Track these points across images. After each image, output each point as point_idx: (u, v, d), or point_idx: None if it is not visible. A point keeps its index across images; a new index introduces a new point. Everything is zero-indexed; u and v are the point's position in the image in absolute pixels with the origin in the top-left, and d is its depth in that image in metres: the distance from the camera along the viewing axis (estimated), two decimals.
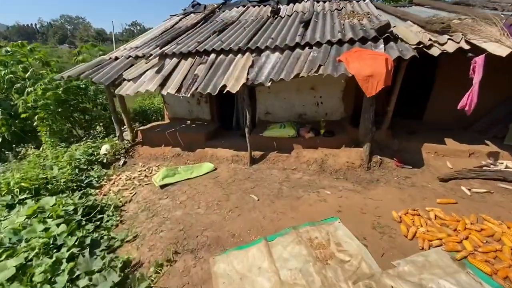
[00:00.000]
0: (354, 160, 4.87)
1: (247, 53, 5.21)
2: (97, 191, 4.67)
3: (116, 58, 6.24)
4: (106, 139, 6.74)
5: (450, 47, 3.99)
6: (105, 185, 4.93)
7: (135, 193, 4.55)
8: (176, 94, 4.95)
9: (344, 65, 4.07)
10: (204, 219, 3.61)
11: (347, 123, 5.82)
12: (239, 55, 5.25)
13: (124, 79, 5.51)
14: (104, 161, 5.80)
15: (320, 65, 4.31)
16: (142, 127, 7.16)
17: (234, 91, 4.53)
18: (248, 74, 4.72)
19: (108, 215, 3.84)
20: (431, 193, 3.87)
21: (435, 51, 4.10)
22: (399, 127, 5.85)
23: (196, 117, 7.22)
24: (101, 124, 7.51)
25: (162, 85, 5.21)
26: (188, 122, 7.19)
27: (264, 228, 3.35)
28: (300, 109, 6.20)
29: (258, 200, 3.97)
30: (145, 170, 5.49)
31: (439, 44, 4.15)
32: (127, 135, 6.68)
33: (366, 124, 4.63)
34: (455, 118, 5.97)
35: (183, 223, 3.55)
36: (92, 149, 6.09)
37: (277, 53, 5.04)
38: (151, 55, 5.89)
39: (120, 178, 5.16)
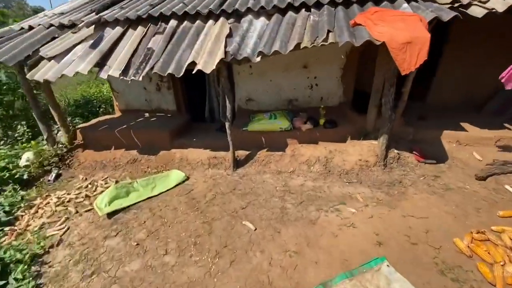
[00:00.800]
0: (368, 157, 3.84)
1: (222, 19, 3.77)
2: (6, 229, 3.07)
3: (31, 28, 4.37)
4: (32, 142, 4.92)
5: (500, 5, 3.01)
6: (21, 216, 3.32)
7: (68, 229, 3.05)
8: (121, 77, 3.41)
9: (364, 29, 2.89)
10: (177, 277, 2.29)
11: (348, 109, 4.76)
12: (211, 21, 3.80)
13: (42, 58, 3.77)
14: (25, 176, 4.09)
15: (328, 31, 3.08)
16: (83, 125, 5.41)
17: (207, 71, 3.14)
18: (226, 46, 3.34)
19: (17, 279, 2.36)
20: (478, 200, 2.99)
21: (476, 11, 3.09)
22: (403, 112, 4.94)
23: (157, 107, 5.65)
24: (23, 123, 5.56)
25: (101, 64, 3.61)
26: (147, 114, 5.60)
27: None
28: (290, 93, 4.99)
29: (256, 230, 2.75)
30: (86, 187, 3.93)
31: (481, 2, 3.15)
32: (62, 136, 4.93)
33: (385, 111, 3.59)
34: (462, 99, 5.26)
35: (142, 287, 2.22)
36: (7, 159, 4.30)
37: (262, 18, 3.68)
38: (83, 22, 4.14)
39: (47, 203, 3.56)
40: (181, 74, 3.23)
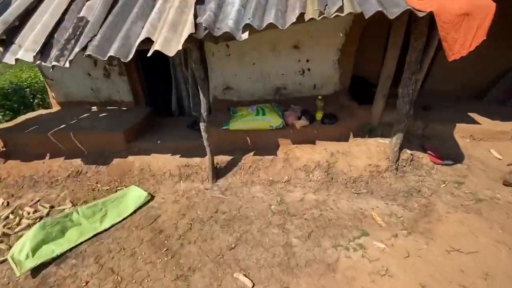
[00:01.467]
0: (378, 160, 3.16)
1: None
2: None
3: None
4: None
5: None
6: None
7: None
8: (38, 62, 2.26)
9: None
10: None
11: (346, 99, 4.01)
12: None
13: None
14: None
15: None
16: (4, 125, 4.06)
17: (171, 53, 2.11)
18: (196, 17, 2.30)
19: None
20: None
21: None
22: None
23: (107, 99, 4.42)
24: None
25: (6, 42, 2.40)
26: (94, 108, 4.37)
27: None
28: (278, 80, 4.08)
29: (253, 287, 1.93)
30: (6, 218, 2.80)
31: None
32: None
33: (402, 105, 2.88)
34: (461, 86, 4.77)
35: None
36: None
37: None
38: None
39: None
40: (130, 58, 2.17)
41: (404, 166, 3.22)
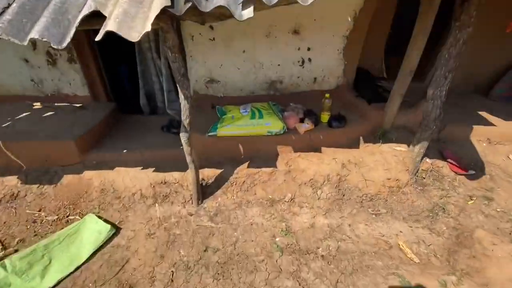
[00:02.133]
0: (397, 172, 2.67)
1: None
2: None
3: None
4: None
5: None
6: None
7: None
8: None
9: None
10: None
11: (351, 96, 3.45)
12: None
13: None
14: None
15: None
16: None
17: (132, 37, 1.35)
18: None
19: None
20: None
21: None
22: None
23: (54, 93, 3.45)
24: None
25: None
26: (37, 105, 3.39)
27: None
28: (273, 72, 3.39)
29: None
30: None
31: None
32: None
33: (431, 108, 2.37)
34: (463, 80, 4.43)
35: None
36: None
37: None
38: None
39: None
40: (66, 44, 1.37)
41: (424, 178, 2.77)
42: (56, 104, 3.35)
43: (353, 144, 2.98)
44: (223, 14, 1.57)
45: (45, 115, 3.17)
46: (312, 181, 2.67)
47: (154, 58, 3.23)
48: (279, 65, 3.36)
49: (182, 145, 2.34)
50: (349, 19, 3.14)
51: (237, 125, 2.66)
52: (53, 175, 2.68)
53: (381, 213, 2.49)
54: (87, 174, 2.68)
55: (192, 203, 2.56)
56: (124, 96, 3.92)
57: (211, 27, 3.02)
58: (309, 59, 3.37)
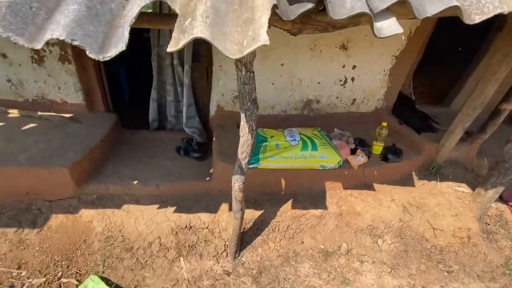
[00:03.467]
0: (467, 219, 2.30)
1: None
2: None
3: None
4: None
5: None
6: None
7: None
8: None
9: None
10: None
11: (393, 122, 3.08)
12: None
13: None
14: None
15: None
16: None
17: (232, 53, 0.82)
18: None
19: None
20: None
21: None
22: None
23: (37, 98, 2.70)
24: None
25: None
26: (14, 114, 2.62)
27: None
28: (311, 89, 2.92)
29: None
30: None
31: None
32: None
33: None
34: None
35: None
36: None
37: None
38: None
39: None
40: (111, 55, 0.81)
41: (488, 224, 2.45)
42: (39, 113, 2.61)
43: (407, 181, 2.59)
44: (343, 25, 1.09)
45: (25, 127, 2.43)
46: (370, 228, 2.23)
47: (174, 65, 2.63)
48: (319, 82, 2.90)
49: (207, 175, 1.81)
50: (403, 38, 2.78)
51: (285, 157, 2.15)
52: (37, 215, 1.98)
53: (453, 270, 2.10)
54: (85, 213, 2.02)
55: (226, 255, 2.00)
56: (121, 106, 3.24)
57: None
58: (352, 78, 2.96)
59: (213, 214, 2.13)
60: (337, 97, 3.06)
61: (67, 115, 2.67)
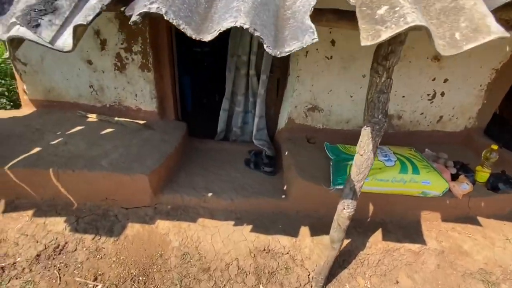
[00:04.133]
0: None
1: None
2: None
3: None
4: None
5: None
6: None
7: None
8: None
9: None
10: None
11: (488, 143, 2.63)
12: None
13: None
14: None
15: None
16: None
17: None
18: None
19: None
20: None
21: None
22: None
23: (114, 103, 2.77)
24: None
25: None
26: (93, 117, 2.70)
27: None
28: (394, 103, 2.65)
29: None
30: None
31: None
32: None
33: None
34: None
35: None
36: None
37: None
38: None
39: None
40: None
41: None
42: (116, 118, 2.66)
43: (505, 213, 2.15)
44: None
45: (103, 132, 2.47)
46: (482, 272, 1.83)
47: (250, 75, 2.54)
48: (403, 96, 2.61)
49: (281, 192, 1.59)
50: (508, 49, 2.41)
51: (380, 179, 1.88)
52: (114, 222, 1.93)
53: None
54: (161, 225, 1.92)
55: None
56: (185, 114, 3.22)
57: (333, 42, 2.32)
58: (442, 93, 2.62)
59: (293, 238, 1.90)
60: (422, 113, 2.74)
61: (141, 122, 2.69)
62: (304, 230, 1.97)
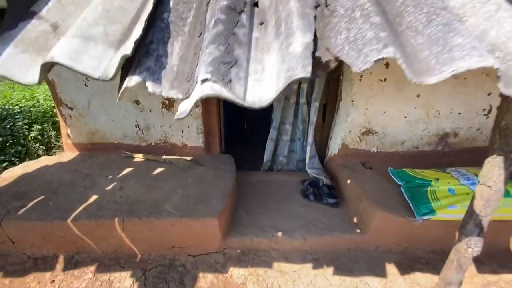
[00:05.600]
0: None
1: None
2: None
3: None
4: None
5: None
6: None
7: None
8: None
9: None
10: None
11: None
12: None
13: None
14: None
15: None
16: None
17: None
18: None
19: None
20: None
21: None
22: None
23: (159, 141, 2.70)
24: None
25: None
26: (139, 157, 2.62)
27: None
28: (450, 121, 2.55)
29: None
30: None
31: None
32: None
33: None
34: None
35: None
36: None
37: None
38: None
39: None
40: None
41: None
42: (164, 157, 2.58)
43: None
44: None
45: (155, 172, 2.37)
46: None
47: (300, 103, 2.49)
48: (459, 113, 2.52)
49: (352, 226, 1.44)
50: None
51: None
52: (183, 273, 1.77)
53: None
54: (236, 273, 1.75)
55: None
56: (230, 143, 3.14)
57: (387, 65, 2.28)
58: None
59: (383, 279, 1.72)
60: (478, 129, 2.63)
61: (188, 158, 2.60)
62: (391, 268, 1.79)
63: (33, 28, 0.75)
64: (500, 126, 1.08)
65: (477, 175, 1.85)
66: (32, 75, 0.68)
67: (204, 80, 0.63)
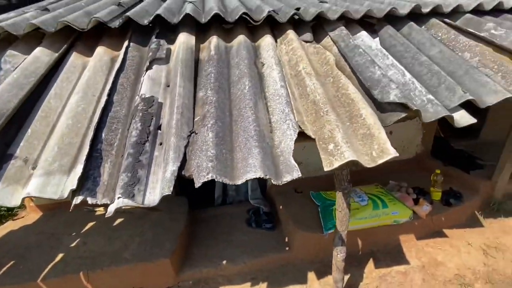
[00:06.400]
0: None
1: None
2: None
3: None
4: None
5: None
6: None
7: None
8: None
9: None
10: None
11: (437, 165, 3.27)
12: None
13: None
14: None
15: None
16: None
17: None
18: None
19: None
20: None
21: None
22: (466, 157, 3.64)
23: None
24: None
25: None
26: (101, 211, 2.94)
27: None
28: None
29: None
30: None
31: None
32: None
33: None
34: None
35: None
36: None
37: None
38: None
39: None
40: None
41: None
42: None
43: (474, 222, 2.68)
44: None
45: (115, 223, 2.71)
46: (457, 277, 2.26)
47: None
48: None
49: (284, 245, 1.96)
50: None
51: (359, 218, 2.33)
52: None
53: None
54: None
55: None
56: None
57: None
58: (390, 132, 3.27)
59: (303, 285, 2.22)
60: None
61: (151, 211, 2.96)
62: (311, 276, 2.30)
63: (11, 167, 1.17)
64: (335, 174, 1.65)
65: (367, 193, 2.47)
66: (15, 201, 1.09)
67: (118, 197, 1.09)
